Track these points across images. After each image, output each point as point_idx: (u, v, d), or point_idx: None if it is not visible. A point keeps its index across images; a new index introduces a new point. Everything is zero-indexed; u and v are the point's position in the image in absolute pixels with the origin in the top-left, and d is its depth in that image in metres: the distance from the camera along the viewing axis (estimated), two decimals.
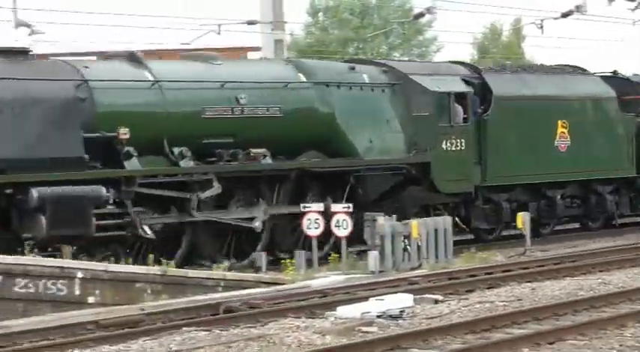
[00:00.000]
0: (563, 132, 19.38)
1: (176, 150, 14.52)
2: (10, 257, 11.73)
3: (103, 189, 13.34)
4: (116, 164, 14.07)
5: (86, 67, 14.43)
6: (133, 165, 14.03)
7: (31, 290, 11.45)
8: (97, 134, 13.94)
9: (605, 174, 20.21)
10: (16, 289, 11.36)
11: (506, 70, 20.64)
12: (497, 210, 18.64)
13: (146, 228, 13.91)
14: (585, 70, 21.58)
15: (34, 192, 12.70)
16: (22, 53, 14.24)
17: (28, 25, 22.24)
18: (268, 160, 15.60)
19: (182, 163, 14.60)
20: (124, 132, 13.85)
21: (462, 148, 17.89)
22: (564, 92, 19.82)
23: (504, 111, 18.74)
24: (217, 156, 15.06)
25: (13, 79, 13.24)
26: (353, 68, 17.52)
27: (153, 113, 14.62)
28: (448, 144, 17.70)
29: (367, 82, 17.39)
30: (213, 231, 15.21)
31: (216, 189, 14.84)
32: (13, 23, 22.83)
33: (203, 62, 15.67)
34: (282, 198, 16.01)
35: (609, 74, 22.05)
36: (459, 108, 18.02)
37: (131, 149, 13.94)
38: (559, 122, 19.33)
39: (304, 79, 16.46)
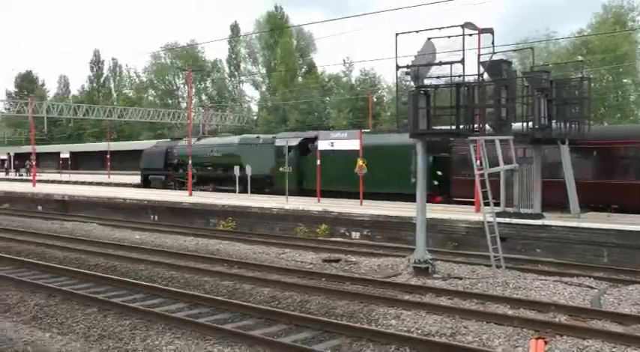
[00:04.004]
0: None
1: None
2: None
3: None
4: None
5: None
6: None
7: None
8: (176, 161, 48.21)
9: None
10: None
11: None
12: None
13: None
14: None
15: None
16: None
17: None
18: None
19: None
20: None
21: (290, 170, 41.46)
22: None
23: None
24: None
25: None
26: (258, 137, 44.94)
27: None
28: (283, 168, 41.31)
29: (260, 143, 44.20)
30: None
31: None
32: None
33: None
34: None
35: None
36: (291, 153, 42.33)
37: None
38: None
39: (237, 142, 45.29)
